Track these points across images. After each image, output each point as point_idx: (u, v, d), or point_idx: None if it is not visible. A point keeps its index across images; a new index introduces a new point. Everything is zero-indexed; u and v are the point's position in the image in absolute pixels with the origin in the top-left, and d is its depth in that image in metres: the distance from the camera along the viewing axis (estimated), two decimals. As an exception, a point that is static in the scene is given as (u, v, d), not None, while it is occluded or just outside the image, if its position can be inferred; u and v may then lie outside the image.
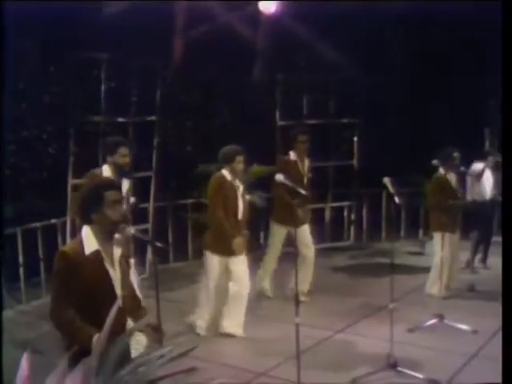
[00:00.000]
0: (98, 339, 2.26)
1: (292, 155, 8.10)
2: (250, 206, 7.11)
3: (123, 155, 6.11)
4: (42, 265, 8.20)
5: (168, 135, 11.03)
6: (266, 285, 8.25)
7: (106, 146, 6.34)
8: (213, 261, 6.72)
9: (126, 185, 6.08)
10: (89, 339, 3.42)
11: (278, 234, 8.10)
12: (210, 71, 11.63)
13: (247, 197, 6.94)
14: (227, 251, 6.64)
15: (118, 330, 3.18)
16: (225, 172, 6.67)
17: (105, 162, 6.35)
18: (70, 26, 9.18)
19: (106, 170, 6.19)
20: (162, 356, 2.21)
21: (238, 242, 6.62)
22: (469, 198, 9.27)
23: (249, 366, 6.00)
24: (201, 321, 6.85)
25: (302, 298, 7.54)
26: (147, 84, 9.61)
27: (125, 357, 2.32)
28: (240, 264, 6.75)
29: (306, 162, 8.23)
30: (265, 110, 11.59)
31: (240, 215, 6.74)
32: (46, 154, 9.98)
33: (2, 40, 5.98)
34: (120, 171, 6.11)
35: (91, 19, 9.44)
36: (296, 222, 7.40)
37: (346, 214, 11.83)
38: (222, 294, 6.77)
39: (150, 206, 9.66)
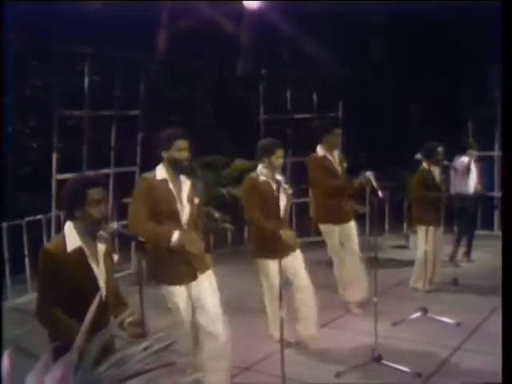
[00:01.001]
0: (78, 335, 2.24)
1: (319, 150, 7.50)
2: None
3: (180, 149, 5.10)
4: (27, 261, 8.18)
5: (152, 130, 10.98)
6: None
7: (159, 141, 5.29)
8: (268, 266, 6.11)
9: (186, 184, 5.18)
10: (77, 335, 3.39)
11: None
12: (194, 66, 11.61)
13: (289, 191, 6.12)
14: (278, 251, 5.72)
15: (101, 325, 3.17)
16: (259, 170, 6.15)
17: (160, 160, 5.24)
18: (54, 20, 9.13)
19: (160, 170, 5.16)
20: (141, 351, 2.20)
21: (289, 233, 6.00)
22: (453, 191, 9.31)
23: (233, 360, 5.99)
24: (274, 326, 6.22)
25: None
26: (131, 78, 9.58)
27: (107, 352, 2.30)
28: (296, 260, 6.27)
29: (336, 154, 7.60)
30: (249, 105, 11.59)
31: (282, 212, 5.89)
32: (30, 149, 9.92)
33: (1, 40, 5.94)
34: (178, 167, 5.12)
35: (75, 14, 9.41)
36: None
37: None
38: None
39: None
